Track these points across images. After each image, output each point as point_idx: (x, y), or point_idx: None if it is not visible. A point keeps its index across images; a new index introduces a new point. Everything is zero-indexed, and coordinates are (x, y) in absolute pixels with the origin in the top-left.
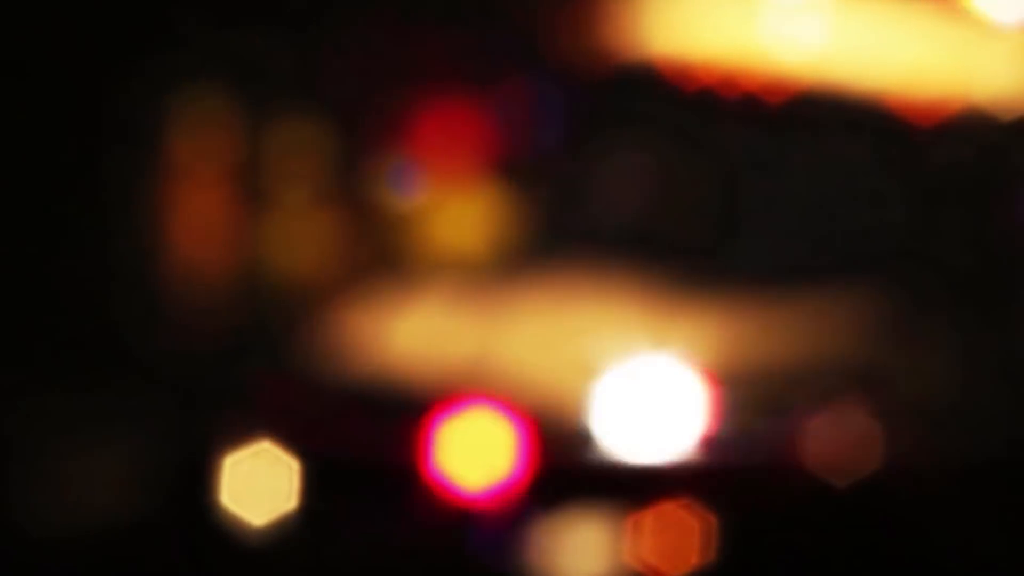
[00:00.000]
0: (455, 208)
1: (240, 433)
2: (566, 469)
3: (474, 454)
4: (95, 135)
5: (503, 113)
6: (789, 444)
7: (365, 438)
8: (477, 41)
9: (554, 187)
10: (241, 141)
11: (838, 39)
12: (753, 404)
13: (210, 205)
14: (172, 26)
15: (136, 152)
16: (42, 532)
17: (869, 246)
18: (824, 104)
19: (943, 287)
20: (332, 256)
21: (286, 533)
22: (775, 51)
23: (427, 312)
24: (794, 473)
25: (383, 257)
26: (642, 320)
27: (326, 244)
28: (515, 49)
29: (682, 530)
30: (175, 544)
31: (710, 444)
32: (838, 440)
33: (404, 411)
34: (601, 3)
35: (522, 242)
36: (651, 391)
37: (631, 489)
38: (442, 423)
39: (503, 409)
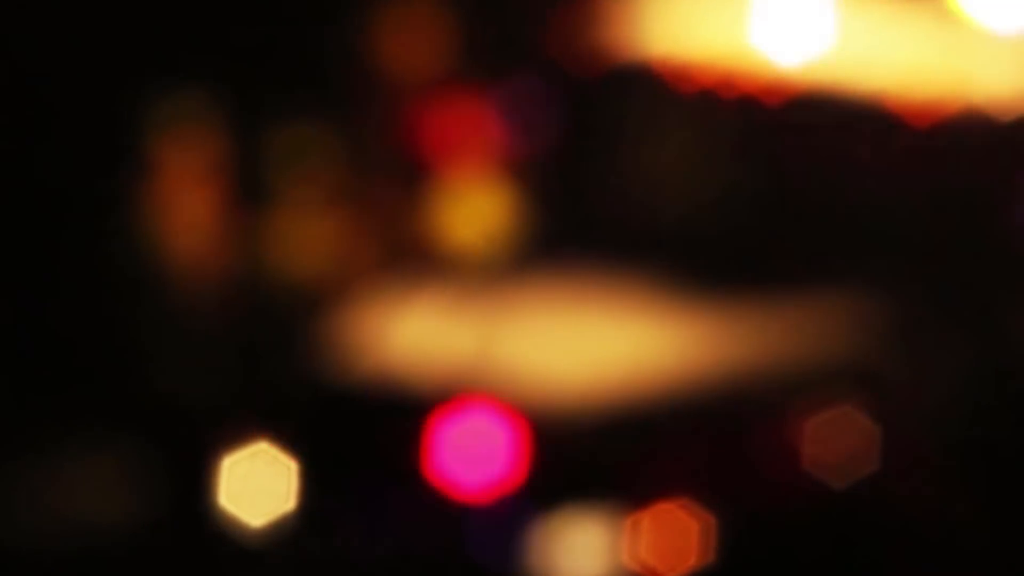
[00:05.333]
0: (457, 207)
1: (238, 434)
2: (565, 469)
3: (473, 454)
4: (93, 137)
5: (504, 113)
6: (788, 444)
7: (367, 438)
8: (478, 40)
9: (554, 187)
10: (243, 141)
11: (837, 39)
12: (752, 404)
13: (211, 205)
14: (172, 27)
15: (135, 154)
16: (40, 534)
17: (869, 245)
18: (823, 104)
19: (943, 287)
20: (335, 256)
21: (285, 534)
22: (774, 51)
23: (430, 311)
24: (793, 473)
25: (387, 256)
26: (641, 320)
27: (329, 244)
28: (515, 49)
29: (681, 530)
30: (173, 546)
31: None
32: (837, 441)
33: (406, 411)
34: (601, 3)
35: (523, 242)
36: None
37: (630, 489)
38: (442, 423)
39: (503, 409)
